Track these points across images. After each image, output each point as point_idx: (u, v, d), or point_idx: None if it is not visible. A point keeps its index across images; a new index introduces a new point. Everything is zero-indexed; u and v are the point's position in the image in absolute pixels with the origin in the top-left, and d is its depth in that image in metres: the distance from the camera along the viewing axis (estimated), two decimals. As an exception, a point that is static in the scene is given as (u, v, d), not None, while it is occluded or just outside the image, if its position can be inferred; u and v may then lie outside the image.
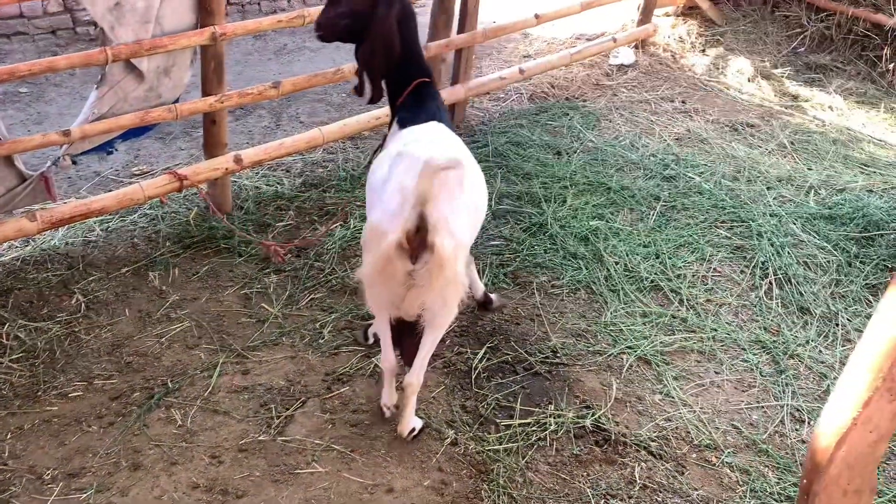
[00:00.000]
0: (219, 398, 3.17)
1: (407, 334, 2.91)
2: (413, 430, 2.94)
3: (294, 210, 4.56)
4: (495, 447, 2.94)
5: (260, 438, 2.96)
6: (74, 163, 4.10)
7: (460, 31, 5.44)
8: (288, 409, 3.11)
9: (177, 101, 4.15)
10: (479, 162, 5.07)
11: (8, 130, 3.61)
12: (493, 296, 3.78)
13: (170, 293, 3.83)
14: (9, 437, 2.93)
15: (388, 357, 2.94)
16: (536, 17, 5.88)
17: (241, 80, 6.37)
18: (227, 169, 4.33)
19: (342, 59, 6.27)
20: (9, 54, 6.35)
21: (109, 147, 4.03)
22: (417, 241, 2.51)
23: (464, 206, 2.71)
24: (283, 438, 2.96)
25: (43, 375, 3.25)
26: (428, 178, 2.39)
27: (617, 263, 4.18)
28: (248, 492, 2.72)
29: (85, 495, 2.70)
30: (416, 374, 2.83)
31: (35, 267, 3.94)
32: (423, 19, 5.77)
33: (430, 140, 2.78)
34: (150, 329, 3.58)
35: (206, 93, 4.17)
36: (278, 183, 4.89)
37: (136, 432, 2.97)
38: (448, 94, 5.49)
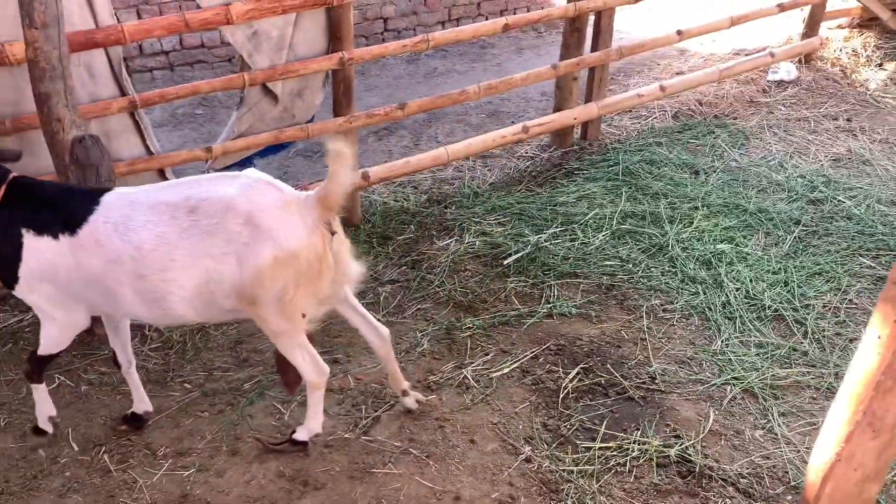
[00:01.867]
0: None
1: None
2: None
3: (415, 224, 4.75)
4: (570, 468, 2.90)
5: (345, 436, 3.12)
6: (218, 176, 4.55)
7: (594, 49, 5.39)
8: (376, 411, 3.25)
9: (310, 121, 4.50)
10: (607, 180, 5.06)
11: (182, 147, 4.11)
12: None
13: (292, 297, 4.13)
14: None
15: (322, 368, 2.91)
16: (679, 33, 5.69)
17: (392, 100, 6.70)
18: (355, 185, 4.60)
19: (478, 78, 6.43)
20: (190, 81, 7.14)
21: (248, 163, 4.44)
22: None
23: None
24: (366, 438, 3.10)
25: (173, 364, 3.64)
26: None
27: (738, 290, 3.94)
28: (325, 485, 2.89)
29: (188, 473, 2.99)
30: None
31: (182, 268, 4.41)
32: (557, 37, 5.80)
33: None
34: (270, 329, 3.88)
35: (336, 113, 4.48)
36: (405, 199, 5.11)
37: (239, 421, 3.24)
38: (582, 111, 5.47)
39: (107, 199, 2.70)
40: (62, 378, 3.58)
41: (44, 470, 3.04)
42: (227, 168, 4.33)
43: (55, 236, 2.67)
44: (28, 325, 3.94)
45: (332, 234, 2.66)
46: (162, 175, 4.15)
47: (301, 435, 3.01)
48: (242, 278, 2.58)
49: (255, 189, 2.61)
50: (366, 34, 8.15)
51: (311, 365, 2.85)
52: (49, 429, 3.16)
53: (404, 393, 3.20)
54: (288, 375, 3.06)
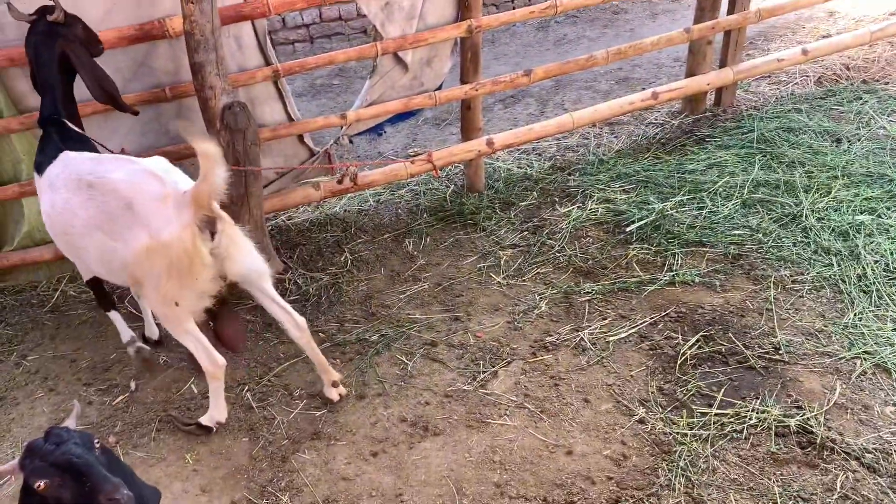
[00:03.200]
0: (438, 350, 3.55)
1: (223, 326, 3.11)
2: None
3: (538, 191, 4.81)
4: (684, 431, 2.91)
5: (464, 388, 3.28)
6: (351, 142, 4.81)
7: (730, 11, 5.19)
8: (494, 367, 3.38)
9: (438, 88, 4.64)
10: (740, 148, 4.90)
11: (319, 115, 4.39)
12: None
13: (419, 258, 4.33)
14: (275, 362, 3.63)
15: (215, 358, 3.00)
16: (824, -8, 5.35)
17: (520, 68, 6.71)
18: (479, 151, 4.71)
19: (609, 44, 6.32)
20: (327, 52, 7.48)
21: (380, 129, 4.66)
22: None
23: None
24: (484, 391, 3.25)
25: (309, 315, 3.92)
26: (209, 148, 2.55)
27: (877, 262, 3.74)
28: (444, 431, 3.06)
29: (320, 413, 3.26)
30: (296, 316, 3.13)
31: (318, 228, 4.72)
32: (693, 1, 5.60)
33: None
34: (397, 286, 4.10)
35: (463, 81, 4.59)
36: (528, 165, 5.17)
37: (366, 369, 3.47)
38: (715, 77, 5.30)
39: (64, 155, 3.08)
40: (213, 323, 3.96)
41: (196, 403, 3.41)
42: (360, 134, 4.56)
43: (39, 173, 3.15)
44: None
45: (213, 232, 2.77)
46: (301, 141, 4.43)
47: (205, 420, 3.17)
48: (125, 258, 2.80)
49: (139, 177, 2.79)
50: (496, 2, 8.19)
51: (202, 353, 2.98)
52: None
53: (334, 384, 3.27)
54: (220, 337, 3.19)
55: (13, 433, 3.40)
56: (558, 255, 4.14)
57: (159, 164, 2.94)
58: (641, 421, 2.99)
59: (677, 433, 2.90)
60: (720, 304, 3.62)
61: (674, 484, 2.68)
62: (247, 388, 3.45)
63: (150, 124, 4.08)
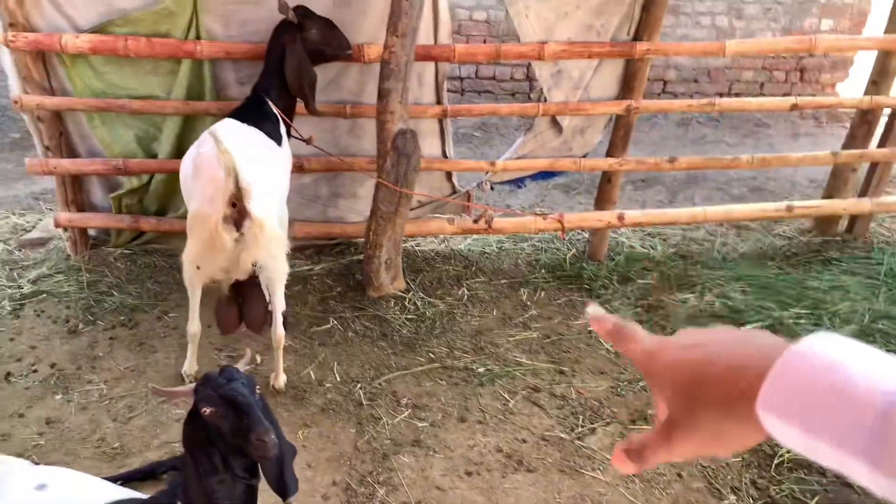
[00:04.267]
0: (540, 395, 3.72)
1: (247, 304, 3.47)
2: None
3: (658, 273, 4.95)
4: (772, 526, 2.95)
5: (561, 436, 3.42)
6: (492, 188, 5.10)
7: (881, 144, 5.26)
8: (593, 424, 3.52)
9: (584, 156, 4.91)
10: (867, 277, 4.91)
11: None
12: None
13: (531, 308, 4.54)
14: (386, 368, 3.88)
15: (194, 324, 3.52)
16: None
17: (656, 157, 6.99)
18: (609, 223, 4.92)
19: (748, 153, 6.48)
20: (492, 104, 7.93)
21: (521, 182, 4.94)
22: (237, 213, 2.98)
23: (267, 172, 3.30)
24: (581, 443, 3.38)
25: (422, 335, 4.18)
26: (226, 152, 2.77)
27: None
28: (537, 469, 3.21)
29: (422, 424, 3.47)
30: (278, 327, 3.45)
31: (442, 259, 5.01)
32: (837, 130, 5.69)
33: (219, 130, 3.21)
34: (507, 329, 4.31)
35: (609, 154, 4.84)
36: (652, 247, 5.33)
37: (470, 396, 3.67)
38: (853, 204, 5.35)
39: (225, 120, 3.66)
40: (335, 322, 4.27)
41: (312, 388, 3.68)
42: (503, 183, 4.86)
43: None
44: (316, 275, 4.73)
45: (239, 225, 3.02)
46: (448, 177, 4.77)
47: (183, 368, 3.73)
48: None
49: (205, 145, 3.26)
50: (645, 92, 8.47)
51: (190, 313, 3.49)
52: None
53: (275, 385, 3.63)
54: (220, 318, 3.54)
55: (147, 375, 3.76)
56: (670, 337, 4.24)
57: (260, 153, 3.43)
58: (731, 507, 3.05)
59: (765, 527, 2.95)
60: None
61: (755, 573, 2.73)
62: (359, 385, 3.71)
63: (324, 134, 4.50)
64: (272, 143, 3.66)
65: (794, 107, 4.89)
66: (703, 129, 8.16)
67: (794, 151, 7.26)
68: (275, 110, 3.76)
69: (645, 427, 3.51)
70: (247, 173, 2.88)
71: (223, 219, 2.94)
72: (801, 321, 4.40)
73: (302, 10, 3.76)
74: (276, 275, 3.34)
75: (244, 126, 3.59)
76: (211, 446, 2.18)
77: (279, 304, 3.42)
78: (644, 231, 5.58)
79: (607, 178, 4.92)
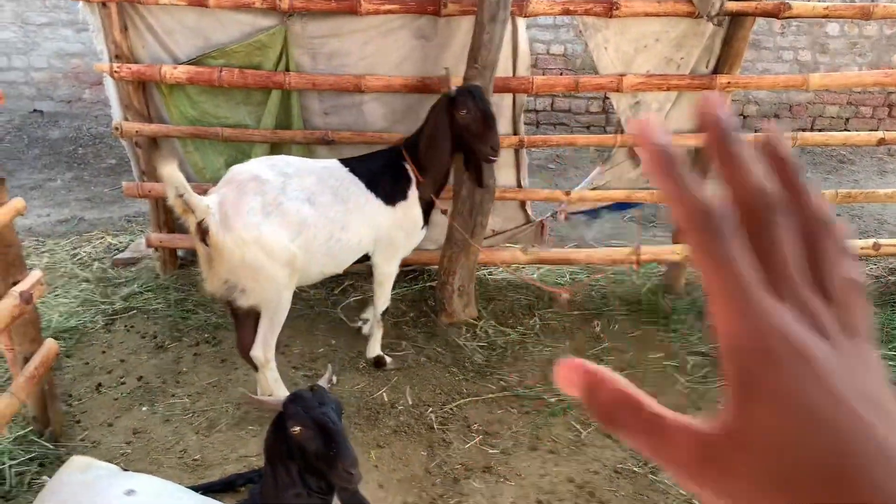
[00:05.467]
0: (613, 428, 3.67)
1: (238, 329, 3.62)
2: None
3: (736, 308, 4.83)
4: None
5: (634, 469, 3.37)
6: (567, 219, 5.11)
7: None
8: (666, 459, 3.44)
9: (660, 188, 4.87)
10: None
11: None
12: (389, 358, 4.12)
13: (604, 340, 4.50)
14: (458, 394, 3.91)
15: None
16: None
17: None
18: (686, 256, 4.85)
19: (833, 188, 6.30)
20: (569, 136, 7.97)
21: (596, 213, 4.93)
22: (203, 230, 3.21)
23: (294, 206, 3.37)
24: (654, 477, 3.32)
25: (494, 363, 4.20)
26: (170, 173, 3.04)
27: None
28: (609, 501, 3.16)
29: (493, 451, 3.47)
30: (258, 347, 3.49)
31: (513, 288, 5.03)
32: None
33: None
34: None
35: (687, 187, 4.79)
36: (730, 282, 5.21)
37: (541, 425, 3.66)
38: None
39: (336, 163, 3.78)
40: (408, 346, 4.33)
41: (385, 410, 3.74)
42: (578, 213, 4.87)
43: None
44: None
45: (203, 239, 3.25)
46: (522, 207, 4.81)
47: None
48: None
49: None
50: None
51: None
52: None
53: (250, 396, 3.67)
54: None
55: (228, 390, 3.90)
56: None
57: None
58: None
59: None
60: None
61: None
62: (431, 409, 3.75)
63: (403, 163, 4.64)
64: (367, 194, 3.65)
65: (882, 141, 4.75)
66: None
67: (880, 188, 7.02)
68: (408, 167, 3.76)
69: (722, 464, 3.42)
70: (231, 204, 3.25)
71: (195, 230, 3.25)
72: (890, 362, 4.21)
73: (468, 91, 3.60)
74: (258, 300, 3.44)
75: (329, 169, 3.65)
76: (290, 460, 2.26)
77: (262, 330, 3.51)
78: (721, 266, 5.47)
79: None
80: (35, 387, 3.25)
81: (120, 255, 5.41)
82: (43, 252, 5.52)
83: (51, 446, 3.37)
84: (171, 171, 3.09)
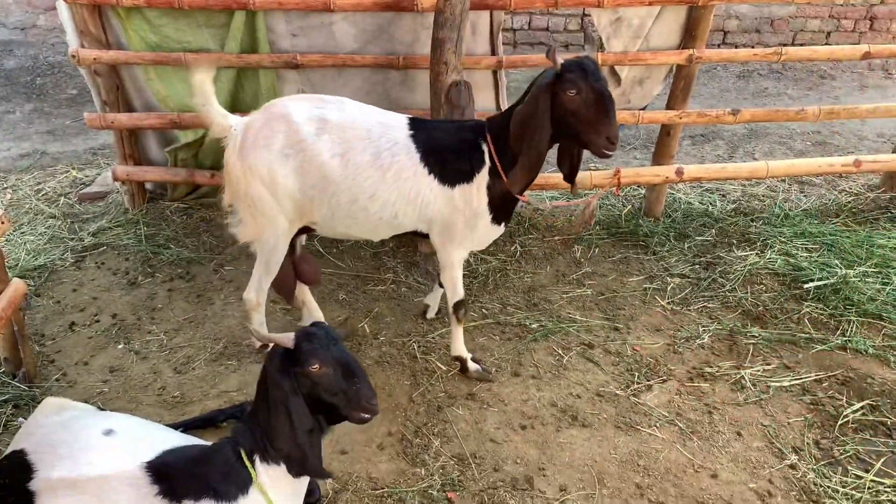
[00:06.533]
0: (595, 352, 3.67)
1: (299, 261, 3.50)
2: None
3: (716, 229, 4.82)
4: (836, 487, 2.87)
5: (616, 392, 3.38)
6: (618, 193, 5.00)
7: (960, 95, 4.97)
8: (649, 381, 3.46)
9: (643, 109, 4.75)
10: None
11: None
12: (473, 365, 3.47)
13: (585, 265, 4.47)
14: (440, 323, 3.87)
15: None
16: None
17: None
18: (666, 178, 4.77)
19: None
20: (528, 59, 7.73)
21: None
22: None
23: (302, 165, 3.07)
24: (636, 400, 3.34)
25: (475, 291, 4.16)
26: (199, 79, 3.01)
27: None
28: (592, 425, 3.18)
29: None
30: (251, 290, 3.40)
31: (495, 215, 4.94)
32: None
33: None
34: (561, 286, 4.25)
35: (669, 107, 4.68)
36: (711, 203, 5.18)
37: (523, 352, 3.64)
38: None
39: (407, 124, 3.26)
40: (388, 277, 4.27)
41: (367, 341, 3.70)
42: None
43: None
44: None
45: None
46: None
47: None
48: None
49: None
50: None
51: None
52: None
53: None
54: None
55: (205, 326, 3.83)
56: (728, 294, 4.14)
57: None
58: (793, 467, 2.98)
59: (829, 487, 2.87)
60: (893, 380, 3.51)
61: (818, 533, 2.67)
62: (413, 339, 3.71)
63: (376, 87, 4.45)
64: (418, 166, 3.07)
65: (867, 55, 4.64)
66: (765, 81, 7.84)
67: (859, 103, 6.95)
68: (486, 145, 3.09)
69: (703, 385, 3.45)
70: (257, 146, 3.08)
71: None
72: (868, 280, 4.23)
73: (579, 66, 2.80)
74: (253, 238, 3.32)
75: (387, 126, 3.12)
76: (298, 397, 2.20)
77: (256, 272, 3.39)
78: (702, 187, 5.42)
79: (666, 131, 4.77)
80: (3, 328, 3.16)
81: (86, 190, 5.23)
82: (6, 188, 5.33)
83: (24, 387, 3.30)
84: (202, 80, 3.01)
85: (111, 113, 4.56)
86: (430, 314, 3.91)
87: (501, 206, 3.19)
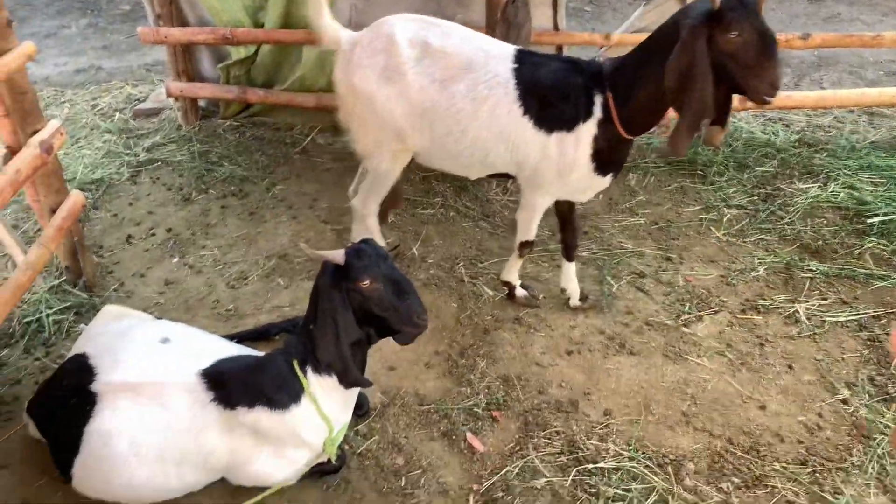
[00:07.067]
0: (645, 281, 3.62)
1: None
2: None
3: (778, 160, 4.64)
4: (888, 423, 2.82)
5: (666, 322, 3.34)
6: (605, 65, 4.82)
7: None
8: (700, 311, 3.41)
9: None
10: None
11: None
12: (521, 291, 3.43)
13: (639, 193, 4.37)
14: (488, 249, 3.85)
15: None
16: None
17: (778, 37, 6.43)
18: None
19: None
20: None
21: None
22: None
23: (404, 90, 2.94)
24: (686, 330, 3.30)
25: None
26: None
27: None
28: (640, 353, 3.16)
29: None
30: (358, 198, 3.39)
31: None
32: None
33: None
34: (614, 214, 4.18)
35: (735, 29, 4.45)
36: (774, 133, 4.98)
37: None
38: None
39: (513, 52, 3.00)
40: (437, 201, 4.25)
41: (415, 263, 3.71)
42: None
43: None
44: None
45: None
46: (559, 51, 4.53)
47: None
48: None
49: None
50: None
51: None
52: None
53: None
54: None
55: (258, 244, 3.88)
56: (787, 227, 4.02)
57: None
58: (844, 401, 2.93)
59: (881, 423, 2.82)
60: (948, 318, 3.40)
61: (866, 466, 2.64)
62: (461, 263, 3.71)
63: (429, 3, 4.33)
64: (514, 105, 2.84)
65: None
66: (838, 6, 7.41)
67: None
68: (601, 95, 2.76)
69: (756, 317, 3.38)
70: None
71: None
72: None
73: (740, 4, 2.41)
74: (363, 154, 3.27)
75: (491, 56, 2.88)
76: (347, 311, 2.24)
77: (365, 185, 3.35)
78: (765, 116, 5.21)
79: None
80: (64, 237, 3.25)
81: (140, 106, 5.28)
82: (63, 102, 5.41)
83: (85, 296, 3.41)
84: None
85: (164, 27, 4.54)
86: (574, 302, 3.43)
87: (611, 159, 2.90)
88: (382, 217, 3.59)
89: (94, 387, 2.31)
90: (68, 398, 2.34)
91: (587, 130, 2.80)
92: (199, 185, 4.38)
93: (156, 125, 5.07)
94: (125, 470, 2.25)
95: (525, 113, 2.84)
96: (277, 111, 4.93)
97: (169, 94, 4.83)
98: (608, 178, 2.99)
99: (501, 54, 2.89)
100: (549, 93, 2.81)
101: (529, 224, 3.18)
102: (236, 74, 4.75)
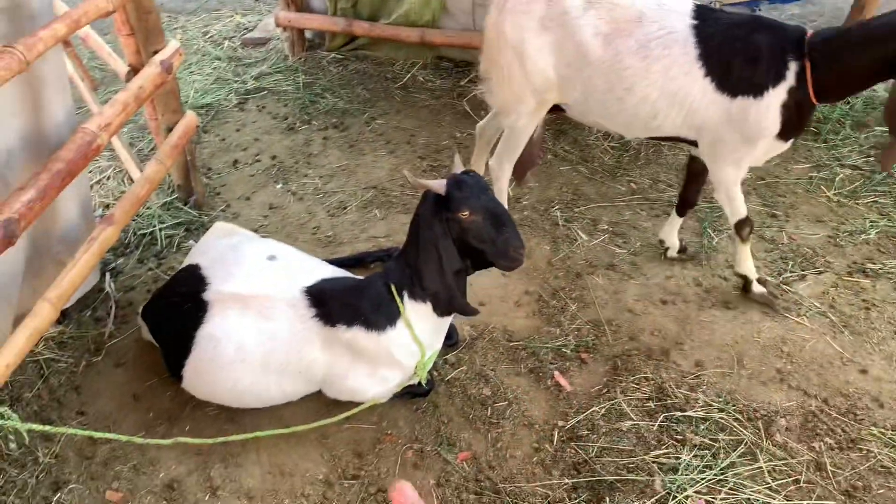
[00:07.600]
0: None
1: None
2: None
3: None
4: None
5: (767, 278, 3.23)
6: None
7: None
8: (803, 271, 3.29)
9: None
10: None
11: None
12: (759, 287, 3.10)
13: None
14: (585, 194, 3.80)
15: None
16: None
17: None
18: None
19: None
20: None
21: (756, 4, 4.41)
22: None
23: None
24: (787, 287, 3.19)
25: (625, 165, 4.05)
26: None
27: None
28: (737, 307, 3.08)
29: (619, 250, 3.41)
30: (494, 157, 3.24)
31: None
32: None
33: None
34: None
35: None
36: None
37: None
38: None
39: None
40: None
41: (509, 204, 3.71)
42: (735, 5, 4.37)
43: None
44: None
45: None
46: None
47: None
48: None
49: None
50: None
51: None
52: None
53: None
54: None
55: (357, 175, 3.96)
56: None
57: None
58: (955, 375, 2.80)
59: None
60: None
61: (973, 443, 2.53)
62: (556, 206, 3.69)
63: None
64: (692, 64, 2.63)
65: None
66: None
67: None
68: (798, 63, 2.57)
69: (863, 281, 3.24)
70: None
71: None
72: None
73: None
74: (499, 107, 3.10)
75: (666, 11, 2.68)
76: (447, 241, 2.28)
77: (501, 143, 3.20)
78: None
79: (859, 5, 4.27)
80: (178, 156, 3.40)
81: (249, 35, 5.40)
82: (175, 28, 5.59)
83: (195, 213, 3.58)
84: None
85: (276, -43, 4.60)
86: (672, 253, 3.37)
87: (795, 125, 2.71)
88: (519, 177, 3.47)
89: (207, 295, 2.45)
90: (182, 304, 2.49)
91: (776, 96, 2.61)
92: (302, 115, 4.48)
93: (263, 54, 5.19)
94: (231, 374, 2.39)
95: (707, 74, 2.63)
96: (380, 45, 4.95)
97: (278, 24, 4.92)
98: (789, 143, 2.81)
99: (679, 9, 2.68)
100: (738, 54, 2.61)
101: (732, 201, 2.95)
102: (343, 7, 4.79)
